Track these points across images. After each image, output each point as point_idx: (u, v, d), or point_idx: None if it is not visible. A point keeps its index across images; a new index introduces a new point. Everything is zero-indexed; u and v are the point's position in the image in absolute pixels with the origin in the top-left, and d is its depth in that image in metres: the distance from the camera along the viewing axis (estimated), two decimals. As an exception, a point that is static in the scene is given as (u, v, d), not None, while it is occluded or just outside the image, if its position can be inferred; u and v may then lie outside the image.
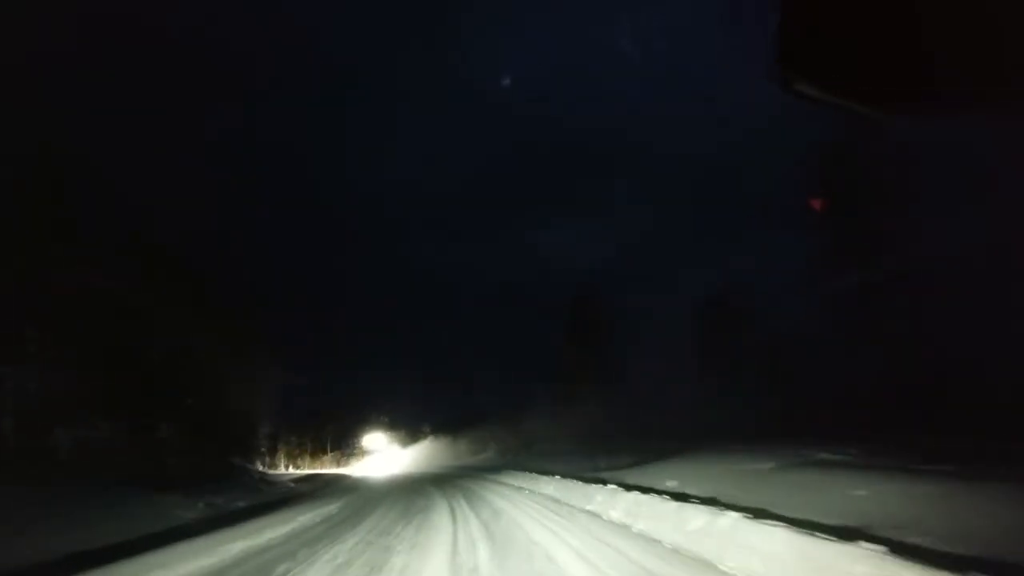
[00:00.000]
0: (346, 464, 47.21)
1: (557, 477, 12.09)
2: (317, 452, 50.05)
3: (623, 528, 6.42)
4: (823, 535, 3.97)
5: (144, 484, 12.81)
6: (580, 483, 10.18)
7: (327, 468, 45.54)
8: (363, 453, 49.17)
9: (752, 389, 23.20)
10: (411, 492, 14.45)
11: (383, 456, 46.90)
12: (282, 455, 46.78)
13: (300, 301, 54.93)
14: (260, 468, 38.98)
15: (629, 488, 8.03)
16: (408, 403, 48.22)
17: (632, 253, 41.38)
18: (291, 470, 43.08)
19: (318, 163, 64.08)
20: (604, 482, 9.40)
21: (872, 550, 3.39)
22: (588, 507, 8.24)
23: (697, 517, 5.32)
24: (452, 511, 9.45)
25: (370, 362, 51.45)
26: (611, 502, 7.67)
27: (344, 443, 50.14)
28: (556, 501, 9.65)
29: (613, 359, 31.30)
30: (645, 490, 7.67)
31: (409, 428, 47.68)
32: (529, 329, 41.43)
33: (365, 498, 13.77)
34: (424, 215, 68.89)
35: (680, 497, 6.87)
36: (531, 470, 16.47)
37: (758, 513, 5.04)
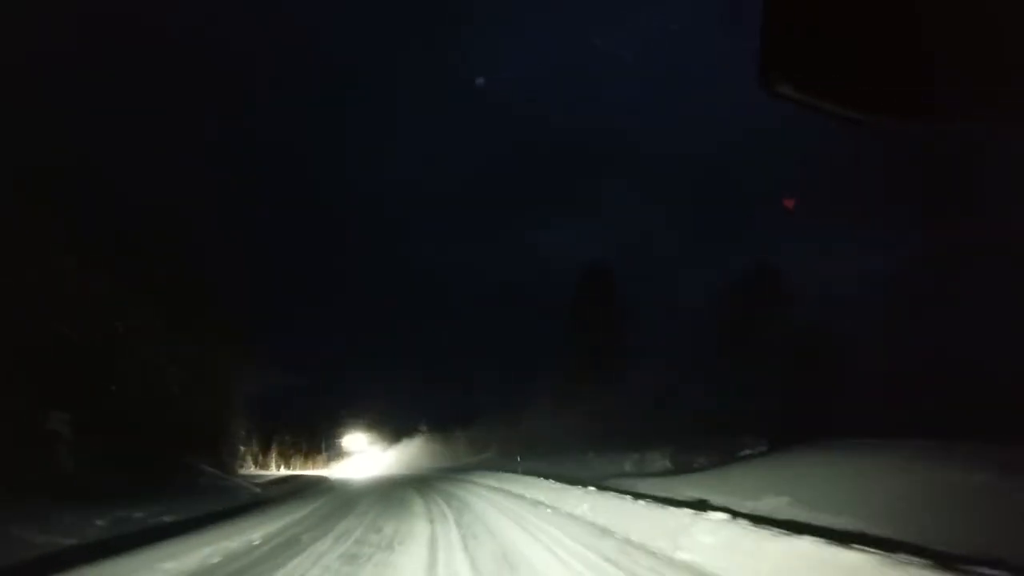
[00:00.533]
0: (339, 463, 43.11)
1: (591, 489, 8.03)
2: (312, 452, 46.32)
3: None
4: None
5: (13, 492, 8.78)
6: (641, 503, 6.11)
7: (318, 468, 41.67)
8: (357, 452, 44.96)
9: (775, 382, 20.01)
10: (388, 505, 10.37)
11: (378, 455, 42.68)
12: (275, 455, 43.39)
13: (299, 301, 51.15)
14: (246, 469, 35.17)
15: (789, 528, 3.94)
16: (406, 402, 44.11)
17: (640, 244, 37.65)
18: (282, 470, 39.64)
19: (318, 163, 60.30)
20: (701, 505, 5.36)
21: None
22: (683, 555, 4.20)
23: None
24: (432, 551, 5.41)
25: (369, 362, 47.55)
26: (738, 551, 3.63)
27: (339, 442, 46.06)
28: (607, 533, 5.59)
29: (621, 354, 27.46)
30: (825, 534, 3.59)
31: (406, 427, 43.43)
32: (531, 327, 37.65)
33: (322, 515, 9.68)
34: (424, 215, 64.86)
35: (943, 560, 2.83)
36: (544, 475, 12.42)
37: None
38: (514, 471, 14.24)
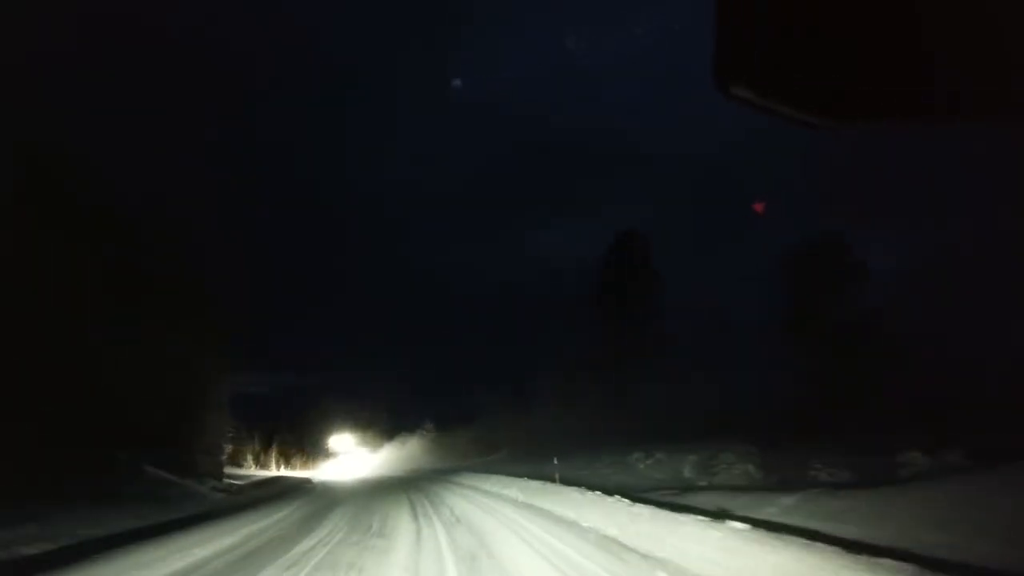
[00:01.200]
0: (337, 462, 39.59)
1: (736, 525, 3.90)
2: (312, 450, 42.94)
3: None
4: None
5: None
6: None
7: (317, 467, 38.29)
8: (356, 451, 41.23)
9: (816, 373, 16.59)
10: (356, 531, 6.26)
11: (377, 454, 38.87)
12: (276, 453, 40.43)
13: (299, 301, 47.85)
14: (246, 468, 31.68)
15: None
16: (407, 400, 40.69)
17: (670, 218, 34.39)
18: (281, 470, 36.71)
19: (318, 163, 57.30)
20: None
21: None
22: None
23: None
24: None
25: (369, 362, 44.69)
26: None
27: (337, 441, 42.41)
28: None
29: (653, 341, 23.45)
30: None
31: (408, 425, 39.64)
32: (532, 325, 34.24)
33: (256, 545, 5.64)
34: (424, 215, 61.67)
35: None
36: (588, 486, 8.33)
37: None
38: (546, 478, 10.06)
